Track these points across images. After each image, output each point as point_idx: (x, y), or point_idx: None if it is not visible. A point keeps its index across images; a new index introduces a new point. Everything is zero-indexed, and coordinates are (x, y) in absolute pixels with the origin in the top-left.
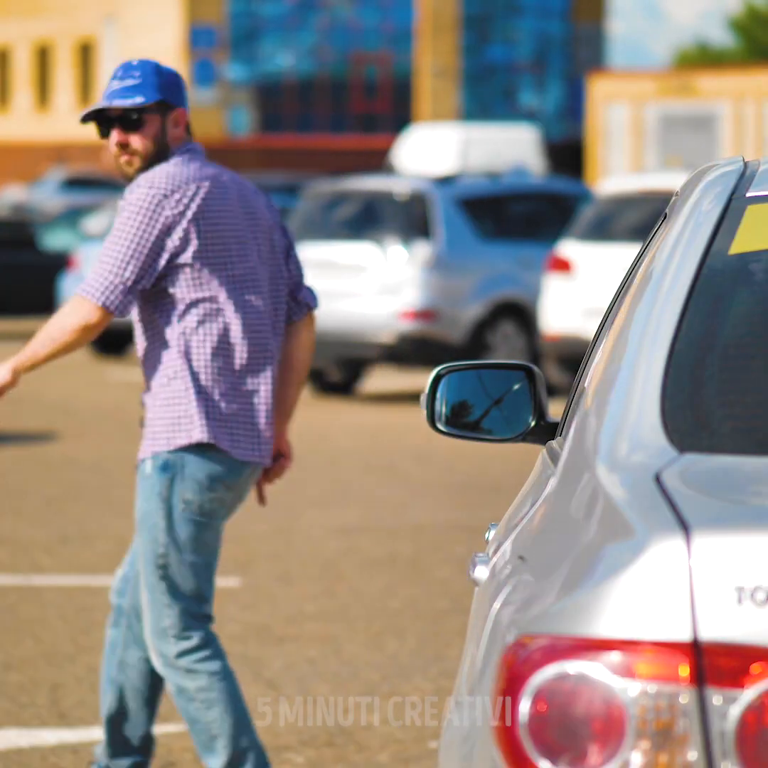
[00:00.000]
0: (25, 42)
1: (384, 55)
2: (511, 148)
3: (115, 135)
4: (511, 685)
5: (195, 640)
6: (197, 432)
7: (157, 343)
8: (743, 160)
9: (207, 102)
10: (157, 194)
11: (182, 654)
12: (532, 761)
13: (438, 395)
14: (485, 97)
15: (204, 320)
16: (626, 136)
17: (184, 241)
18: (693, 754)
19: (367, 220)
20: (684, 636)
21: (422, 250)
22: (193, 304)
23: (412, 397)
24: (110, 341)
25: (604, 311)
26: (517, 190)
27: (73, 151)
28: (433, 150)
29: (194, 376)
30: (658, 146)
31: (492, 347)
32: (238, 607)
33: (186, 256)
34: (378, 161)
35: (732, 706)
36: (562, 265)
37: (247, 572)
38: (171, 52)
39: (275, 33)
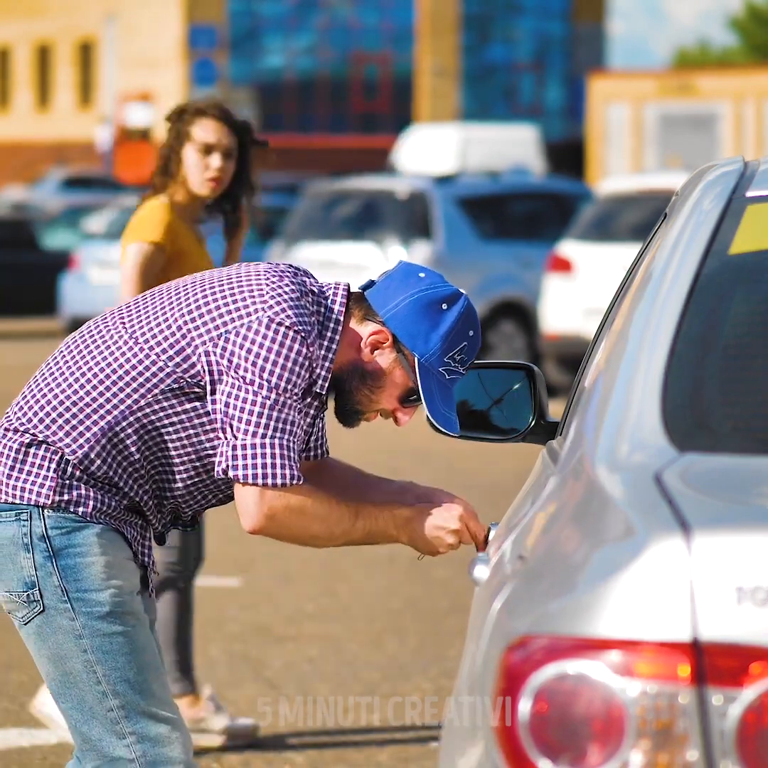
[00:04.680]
0: (25, 42)
1: (384, 55)
2: (511, 148)
3: None
4: (511, 685)
5: None
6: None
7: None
8: (743, 160)
9: None
10: None
11: None
12: (532, 761)
13: None
14: (485, 97)
15: None
16: (626, 136)
17: None
18: (693, 754)
19: (367, 220)
20: (684, 636)
21: (422, 249)
22: None
23: None
24: None
25: (604, 311)
26: (517, 190)
27: (73, 151)
28: (433, 150)
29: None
30: (658, 146)
31: (492, 347)
32: (238, 607)
33: None
34: (378, 161)
35: (732, 705)
36: (562, 265)
37: (247, 572)
38: (171, 52)
39: (275, 32)
